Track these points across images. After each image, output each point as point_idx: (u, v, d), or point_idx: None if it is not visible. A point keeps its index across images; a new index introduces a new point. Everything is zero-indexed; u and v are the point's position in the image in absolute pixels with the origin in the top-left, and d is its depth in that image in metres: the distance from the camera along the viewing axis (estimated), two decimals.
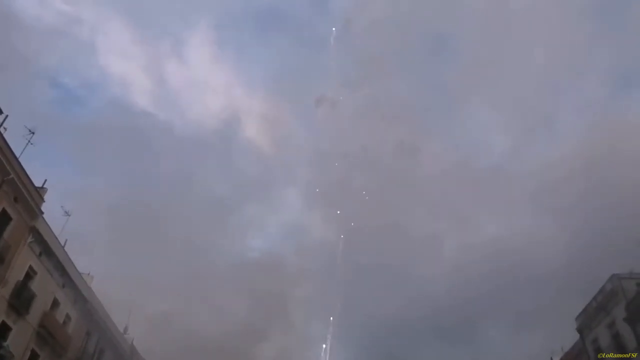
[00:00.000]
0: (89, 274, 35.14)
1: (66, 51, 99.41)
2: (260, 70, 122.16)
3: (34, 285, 26.33)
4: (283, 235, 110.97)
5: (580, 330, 36.20)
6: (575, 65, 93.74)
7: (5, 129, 23.65)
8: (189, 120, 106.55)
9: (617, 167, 65.15)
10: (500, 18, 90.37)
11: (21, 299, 25.01)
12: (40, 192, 26.80)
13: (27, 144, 26.38)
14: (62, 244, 30.05)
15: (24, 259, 25.52)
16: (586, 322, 35.30)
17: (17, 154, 24.58)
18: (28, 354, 26.28)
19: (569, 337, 37.89)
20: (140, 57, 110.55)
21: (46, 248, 27.52)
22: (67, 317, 30.61)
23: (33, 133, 26.80)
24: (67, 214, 31.34)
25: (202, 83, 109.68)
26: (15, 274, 24.77)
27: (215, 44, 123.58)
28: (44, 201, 27.15)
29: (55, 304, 29.01)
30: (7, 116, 23.84)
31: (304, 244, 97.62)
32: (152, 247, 68.11)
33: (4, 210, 23.74)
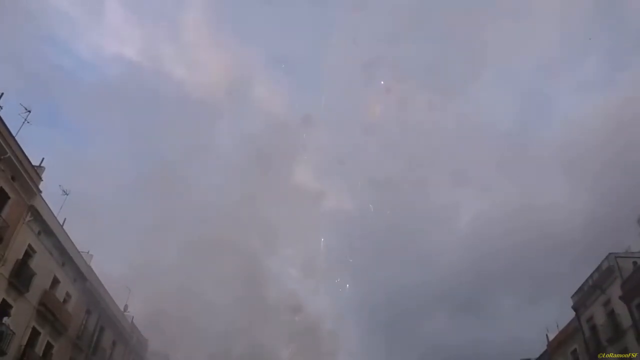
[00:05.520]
0: (88, 252, 35.20)
1: (70, 16, 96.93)
2: (267, 32, 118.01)
3: (34, 264, 26.38)
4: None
5: (575, 308, 36.62)
6: (599, 26, 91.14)
7: (1, 107, 23.34)
8: (195, 86, 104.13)
9: None
10: None
11: (21, 278, 25.05)
12: (37, 170, 26.67)
13: (23, 122, 26.10)
14: (61, 222, 30.06)
15: (23, 238, 25.50)
16: (582, 300, 35.68)
17: (14, 133, 24.32)
18: (29, 331, 26.48)
19: (569, 314, 38.16)
20: (140, 25, 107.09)
21: (45, 227, 27.50)
22: (67, 295, 30.78)
23: (29, 111, 26.49)
24: (65, 193, 31.36)
25: (205, 49, 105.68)
26: (15, 253, 24.77)
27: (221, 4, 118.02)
28: (42, 180, 27.03)
29: (55, 282, 29.12)
30: (2, 94, 23.52)
31: (319, 211, 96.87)
32: (155, 222, 67.57)
33: (1, 189, 23.59)
